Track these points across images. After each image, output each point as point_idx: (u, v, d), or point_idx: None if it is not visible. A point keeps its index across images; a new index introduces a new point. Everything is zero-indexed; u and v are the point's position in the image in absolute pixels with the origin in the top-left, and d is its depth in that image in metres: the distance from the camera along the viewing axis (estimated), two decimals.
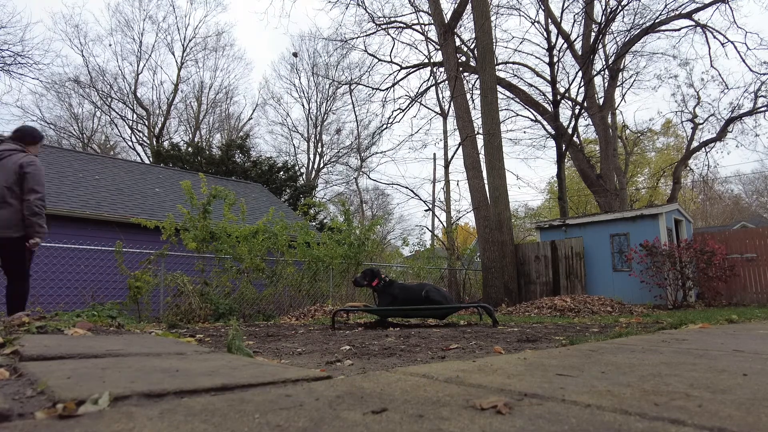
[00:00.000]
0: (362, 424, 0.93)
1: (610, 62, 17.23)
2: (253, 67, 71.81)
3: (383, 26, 15.67)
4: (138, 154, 29.23)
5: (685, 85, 27.12)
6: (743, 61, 15.43)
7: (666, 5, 14.72)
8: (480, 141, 11.14)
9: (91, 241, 8.92)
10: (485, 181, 11.05)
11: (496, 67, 13.57)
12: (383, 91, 17.08)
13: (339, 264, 9.27)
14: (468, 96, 13.26)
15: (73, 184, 11.63)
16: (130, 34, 32.73)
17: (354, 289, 9.41)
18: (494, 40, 12.43)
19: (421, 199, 20.77)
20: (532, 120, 18.44)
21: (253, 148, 27.05)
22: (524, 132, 31.70)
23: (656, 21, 15.18)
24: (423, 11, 15.47)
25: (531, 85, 18.28)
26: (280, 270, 8.44)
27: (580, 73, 15.34)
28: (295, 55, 31.69)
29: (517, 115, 18.91)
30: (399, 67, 16.86)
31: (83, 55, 44.39)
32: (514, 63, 18.34)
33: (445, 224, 18.51)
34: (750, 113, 16.97)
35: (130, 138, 30.01)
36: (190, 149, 22.67)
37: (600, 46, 16.98)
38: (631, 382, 1.35)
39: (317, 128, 32.10)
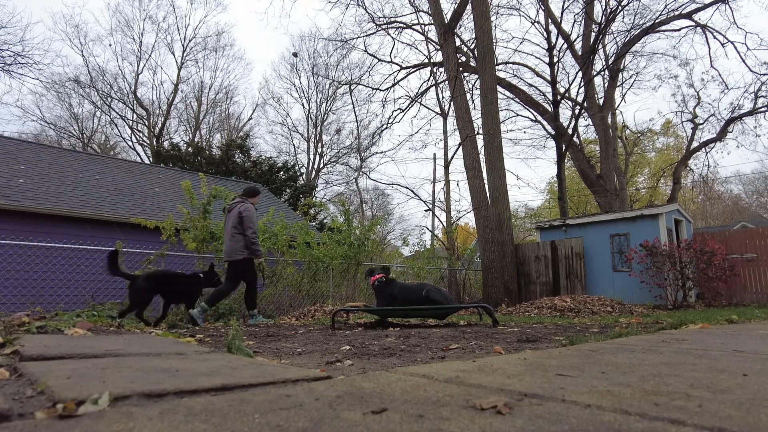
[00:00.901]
0: (362, 424, 0.93)
1: (610, 62, 17.23)
2: (253, 67, 71.93)
3: (383, 26, 15.67)
4: (138, 154, 29.28)
5: (685, 85, 27.15)
6: (743, 61, 15.45)
7: (666, 5, 14.74)
8: (480, 141, 11.15)
9: (91, 241, 8.92)
10: (485, 181, 11.04)
11: (496, 67, 13.57)
12: (383, 91, 17.09)
13: (339, 264, 9.26)
14: (468, 96, 13.26)
15: (74, 184, 11.64)
16: (130, 34, 32.81)
17: (354, 289, 9.41)
18: (494, 40, 12.43)
19: (421, 199, 20.79)
20: (532, 120, 18.45)
21: (253, 148, 27.09)
22: (524, 132, 31.74)
23: (656, 21, 15.19)
24: (423, 11, 15.48)
25: (531, 85, 18.29)
26: (280, 270, 8.44)
27: (580, 74, 15.34)
28: (295, 55, 31.73)
29: (517, 115, 18.92)
30: (399, 67, 16.87)
31: (83, 55, 44.50)
32: (514, 63, 18.35)
33: (445, 224, 18.51)
34: (750, 113, 16.98)
35: (130, 138, 30.06)
36: (190, 149, 22.68)
37: (600, 46, 16.98)
38: (631, 382, 1.35)
39: (317, 128, 32.14)
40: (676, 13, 15.15)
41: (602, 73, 17.47)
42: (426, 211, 23.71)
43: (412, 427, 0.92)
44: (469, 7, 12.56)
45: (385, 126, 17.46)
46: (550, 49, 16.33)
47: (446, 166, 18.84)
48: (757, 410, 1.02)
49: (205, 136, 31.08)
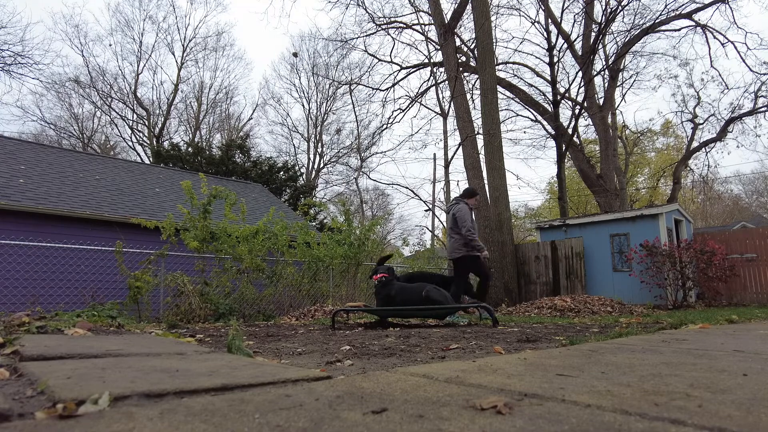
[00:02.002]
0: (362, 424, 0.93)
1: (610, 62, 17.24)
2: (253, 67, 71.99)
3: (383, 26, 15.68)
4: (138, 154, 29.29)
5: (685, 86, 27.14)
6: (743, 61, 15.46)
7: (666, 5, 14.74)
8: (480, 141, 11.15)
9: (91, 241, 8.92)
10: (485, 182, 11.05)
11: (496, 67, 13.58)
12: (383, 91, 17.12)
13: (339, 264, 9.26)
14: (468, 96, 13.26)
15: (74, 184, 11.64)
16: (130, 34, 32.84)
17: (354, 289, 9.41)
18: (494, 40, 12.43)
19: (421, 199, 20.81)
20: (532, 120, 18.47)
21: (253, 148, 27.06)
22: (524, 132, 31.76)
23: (656, 21, 15.19)
24: (423, 11, 15.50)
25: (531, 85, 18.31)
26: (280, 270, 8.43)
27: (580, 73, 15.33)
28: (295, 55, 31.72)
29: (517, 115, 18.93)
30: (399, 67, 16.89)
31: (83, 55, 44.44)
32: (514, 63, 18.36)
33: (445, 224, 18.51)
34: (750, 113, 16.99)
35: (130, 138, 30.07)
36: (190, 149, 22.68)
37: (600, 46, 16.98)
38: (631, 382, 1.35)
39: (317, 128, 32.13)
40: (676, 13, 15.16)
41: (602, 73, 17.48)
42: (426, 211, 23.73)
43: (412, 427, 0.92)
44: (469, 7, 12.56)
45: (385, 126, 17.50)
46: (550, 49, 16.34)
47: (446, 166, 18.86)
48: (757, 410, 1.02)
49: (205, 136, 31.10)
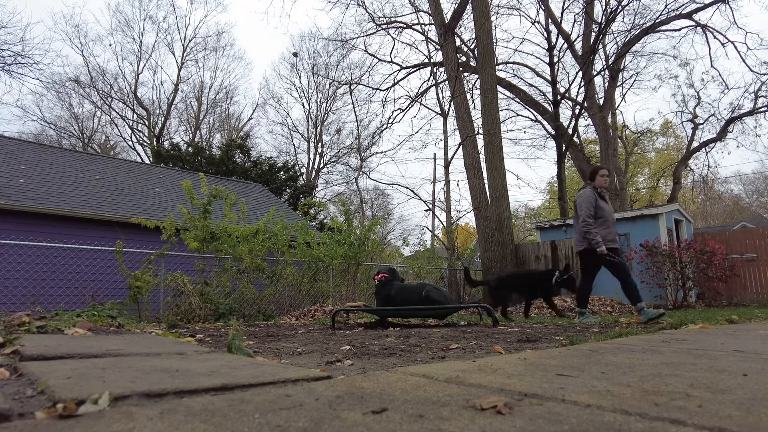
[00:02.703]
0: (362, 424, 0.93)
1: (610, 62, 17.23)
2: (253, 67, 71.94)
3: (383, 26, 15.68)
4: (138, 154, 29.28)
5: (686, 86, 27.07)
6: (743, 61, 15.46)
7: (666, 5, 14.74)
8: (480, 141, 11.15)
9: (91, 241, 8.92)
10: (485, 181, 11.04)
11: (496, 67, 13.58)
12: (383, 91, 17.10)
13: (339, 264, 9.26)
14: (468, 96, 13.26)
15: (74, 184, 11.64)
16: (131, 34, 32.72)
17: (354, 289, 9.41)
18: (494, 40, 12.43)
19: (421, 199, 20.76)
20: (532, 120, 18.45)
21: (253, 148, 27.04)
22: (524, 132, 31.66)
23: (656, 21, 15.19)
24: (423, 11, 15.48)
25: (531, 85, 18.30)
26: (280, 270, 8.42)
27: (580, 73, 15.33)
28: (295, 55, 31.67)
29: (518, 115, 18.91)
30: (399, 67, 16.88)
31: (83, 55, 44.34)
32: (514, 63, 18.35)
33: (445, 224, 18.51)
34: (750, 113, 16.99)
35: (131, 138, 30.07)
36: (190, 149, 22.68)
37: (600, 46, 16.98)
38: (631, 382, 1.35)
39: (317, 128, 32.11)
40: (676, 13, 15.16)
41: (602, 73, 17.48)
42: (426, 211, 23.73)
43: (412, 427, 0.91)
44: (469, 7, 12.56)
45: (385, 126, 17.49)
46: (550, 49, 16.34)
47: (446, 166, 18.83)
48: (757, 410, 1.02)
49: (205, 136, 31.09)
